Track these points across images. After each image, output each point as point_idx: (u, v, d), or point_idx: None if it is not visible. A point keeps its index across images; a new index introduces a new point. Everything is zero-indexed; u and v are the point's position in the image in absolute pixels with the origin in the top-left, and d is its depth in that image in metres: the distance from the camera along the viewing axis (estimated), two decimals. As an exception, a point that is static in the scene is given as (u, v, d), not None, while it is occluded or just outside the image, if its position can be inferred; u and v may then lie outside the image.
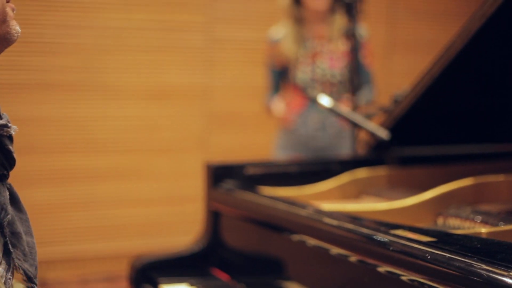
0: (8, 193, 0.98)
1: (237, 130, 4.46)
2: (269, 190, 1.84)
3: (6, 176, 0.99)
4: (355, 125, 2.26)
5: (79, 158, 4.04)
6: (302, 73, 3.06)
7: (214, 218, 1.87)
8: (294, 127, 3.13)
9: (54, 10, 3.87)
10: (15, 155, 0.99)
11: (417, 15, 4.91)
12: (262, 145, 4.48)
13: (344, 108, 2.14)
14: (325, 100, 2.16)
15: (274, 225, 1.62)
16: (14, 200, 1.00)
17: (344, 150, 3.01)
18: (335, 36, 3.06)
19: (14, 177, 1.03)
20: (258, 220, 1.69)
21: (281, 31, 3.12)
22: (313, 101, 2.94)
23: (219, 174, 1.87)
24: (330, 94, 2.96)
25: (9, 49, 1.02)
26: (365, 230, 1.34)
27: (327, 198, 1.91)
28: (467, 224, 1.55)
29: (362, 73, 3.00)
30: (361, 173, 2.00)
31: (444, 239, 1.23)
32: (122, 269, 2.78)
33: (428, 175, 2.02)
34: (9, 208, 0.96)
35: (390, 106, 2.06)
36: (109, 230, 4.17)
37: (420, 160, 2.11)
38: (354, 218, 1.46)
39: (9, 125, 0.97)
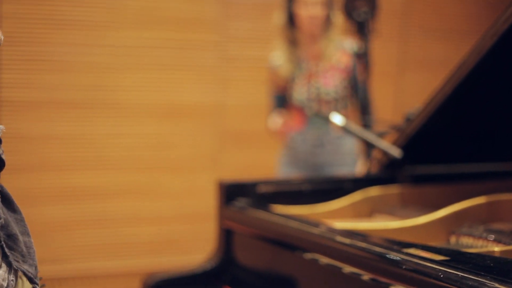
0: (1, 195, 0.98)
1: (250, 148, 4.47)
2: (281, 208, 1.84)
3: None
4: (367, 143, 2.26)
5: (91, 175, 4.06)
6: (298, 94, 3.09)
7: (227, 236, 1.88)
8: (294, 145, 3.16)
9: (66, 28, 3.91)
10: (3, 157, 0.99)
11: (430, 33, 4.91)
12: (274, 163, 4.49)
13: (357, 127, 2.14)
14: (337, 119, 2.16)
15: (287, 243, 1.62)
16: (7, 201, 0.99)
17: (345, 167, 3.03)
18: (329, 54, 3.09)
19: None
20: (271, 239, 1.69)
21: (280, 56, 3.16)
22: (316, 118, 2.98)
23: (232, 192, 1.87)
24: (326, 112, 2.99)
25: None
26: (377, 249, 1.34)
27: (339, 217, 1.91)
28: (480, 242, 1.54)
29: (357, 86, 3.03)
30: (374, 191, 2.00)
31: (457, 258, 1.23)
32: (134, 287, 2.78)
33: (440, 194, 2.02)
34: (2, 211, 0.96)
35: (403, 124, 2.06)
36: (121, 248, 4.18)
37: (433, 178, 2.11)
38: (366, 236, 1.46)
39: None
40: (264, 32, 4.42)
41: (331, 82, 3.09)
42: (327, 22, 3.05)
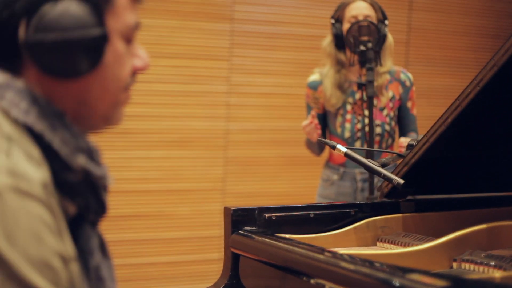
0: (98, 240, 1.02)
1: (256, 176, 4.51)
2: (287, 235, 1.88)
3: (97, 223, 1.04)
4: (371, 172, 2.30)
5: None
6: (342, 127, 2.96)
7: (234, 262, 1.91)
8: (332, 178, 3.02)
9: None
10: (107, 205, 1.04)
11: (433, 64, 4.98)
12: (281, 191, 4.52)
13: (360, 156, 2.18)
14: (341, 146, 2.20)
15: (293, 269, 1.65)
16: (103, 246, 1.04)
17: None
18: (378, 86, 2.94)
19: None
20: (277, 265, 1.73)
21: (323, 75, 3.02)
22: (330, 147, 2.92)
23: (239, 219, 1.90)
24: (375, 147, 2.90)
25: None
26: (381, 274, 1.37)
27: (344, 244, 1.95)
28: (481, 268, 1.57)
29: (408, 118, 2.98)
30: (377, 220, 2.04)
31: (459, 284, 1.26)
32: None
33: (442, 220, 2.05)
34: (97, 254, 1.01)
35: (405, 153, 2.10)
36: (128, 274, 4.20)
37: (435, 205, 2.14)
38: (370, 262, 1.49)
39: (107, 176, 1.02)
40: (269, 61, 4.50)
41: (381, 115, 2.96)
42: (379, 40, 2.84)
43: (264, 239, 1.80)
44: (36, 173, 0.88)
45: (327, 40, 2.99)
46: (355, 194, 2.94)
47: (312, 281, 1.57)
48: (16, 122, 0.92)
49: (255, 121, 4.50)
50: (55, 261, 0.87)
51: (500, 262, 1.55)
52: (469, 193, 2.21)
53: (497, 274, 1.45)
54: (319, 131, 2.85)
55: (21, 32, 0.93)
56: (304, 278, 1.59)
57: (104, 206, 1.04)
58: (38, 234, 0.86)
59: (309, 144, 3.04)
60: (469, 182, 2.18)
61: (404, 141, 2.77)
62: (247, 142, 4.49)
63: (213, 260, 4.35)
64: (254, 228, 1.90)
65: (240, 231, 1.89)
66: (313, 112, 2.88)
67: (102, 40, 0.95)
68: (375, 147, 2.93)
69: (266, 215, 1.92)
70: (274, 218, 1.93)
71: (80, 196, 0.97)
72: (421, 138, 1.97)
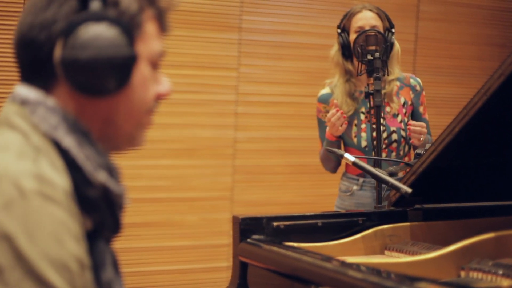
0: (111, 256, 1.07)
1: (264, 185, 4.52)
2: (295, 244, 1.88)
3: (111, 240, 1.09)
4: (379, 181, 2.31)
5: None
6: (359, 132, 2.92)
7: (242, 270, 1.91)
8: (351, 188, 2.97)
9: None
10: (122, 223, 1.11)
11: (440, 71, 4.98)
12: (289, 200, 4.53)
13: (368, 165, 2.18)
14: (349, 155, 2.21)
15: (301, 278, 1.66)
16: (115, 263, 1.09)
17: None
18: (388, 93, 2.92)
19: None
20: (286, 274, 1.73)
21: (332, 87, 2.98)
22: (339, 157, 2.87)
23: (247, 227, 1.91)
24: (393, 154, 2.88)
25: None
26: (389, 283, 1.38)
27: (351, 253, 1.95)
28: (489, 277, 1.58)
29: (421, 122, 2.92)
30: (385, 228, 2.04)
31: (466, 292, 1.27)
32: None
33: (450, 229, 2.06)
34: (110, 270, 1.05)
35: (413, 162, 2.10)
36: (137, 280, 4.21)
37: (442, 214, 2.15)
38: (378, 271, 1.50)
39: (124, 195, 1.09)
40: (277, 70, 4.51)
41: (394, 123, 2.92)
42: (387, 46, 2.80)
43: (272, 247, 1.81)
44: (61, 180, 0.95)
45: (334, 50, 2.97)
46: (375, 204, 2.92)
47: (320, 289, 1.57)
48: (44, 136, 0.99)
49: (263, 130, 4.52)
50: (73, 265, 0.92)
51: (508, 271, 1.55)
52: (477, 202, 2.21)
53: (505, 283, 1.46)
54: (346, 122, 2.79)
55: (57, 51, 0.99)
56: (312, 287, 1.60)
57: (119, 225, 1.10)
58: (59, 236, 0.91)
59: (325, 159, 3.01)
60: (476, 191, 2.18)
61: (414, 123, 2.74)
62: (255, 151, 4.50)
63: (221, 269, 4.36)
64: (262, 236, 1.91)
65: (248, 240, 1.90)
66: (336, 102, 2.84)
67: (131, 61, 1.01)
68: (392, 155, 2.92)
69: (274, 223, 1.93)
70: (282, 226, 1.93)
71: (97, 212, 1.02)
72: (429, 147, 1.98)
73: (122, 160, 4.30)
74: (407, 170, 2.13)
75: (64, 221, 0.92)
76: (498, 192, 2.17)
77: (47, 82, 1.03)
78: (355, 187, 2.97)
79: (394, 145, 2.91)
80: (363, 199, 2.94)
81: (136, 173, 4.18)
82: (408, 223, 2.09)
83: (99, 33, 0.98)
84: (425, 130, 2.74)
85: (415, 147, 2.89)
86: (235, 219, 1.94)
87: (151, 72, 1.09)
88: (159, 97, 1.13)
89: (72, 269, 0.91)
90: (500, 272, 1.56)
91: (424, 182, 2.03)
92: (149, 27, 1.08)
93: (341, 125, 2.76)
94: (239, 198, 4.45)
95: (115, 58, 0.99)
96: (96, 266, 1.01)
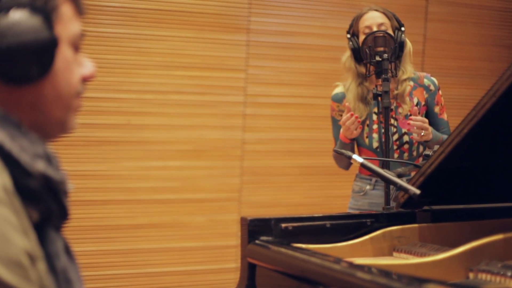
0: (62, 243, 1.05)
1: (272, 186, 4.52)
2: (304, 245, 1.89)
3: (60, 227, 1.07)
4: (387, 182, 2.30)
5: (119, 211, 4.13)
6: (370, 139, 2.92)
7: (250, 272, 1.91)
8: (364, 189, 2.99)
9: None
10: (69, 209, 1.07)
11: (448, 72, 4.97)
12: (297, 201, 4.53)
13: (376, 166, 2.18)
14: (357, 157, 2.21)
15: (310, 279, 1.66)
16: (67, 249, 1.07)
17: None
18: (400, 94, 2.91)
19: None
20: (294, 275, 1.73)
21: (346, 87, 2.98)
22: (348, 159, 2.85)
23: (255, 229, 1.91)
24: (405, 155, 2.88)
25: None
26: (397, 284, 1.38)
27: (360, 254, 1.95)
28: (498, 279, 1.57)
29: (437, 123, 2.91)
30: (393, 230, 2.04)
31: (474, 293, 1.26)
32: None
33: (458, 231, 2.05)
34: (63, 257, 1.03)
35: (422, 163, 2.10)
36: (145, 282, 4.22)
37: (451, 215, 2.14)
38: (386, 272, 1.50)
39: (66, 181, 1.05)
40: (285, 72, 4.51)
41: (404, 124, 2.89)
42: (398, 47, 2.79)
43: (280, 249, 1.81)
44: None
45: (346, 55, 2.96)
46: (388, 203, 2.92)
47: (328, 290, 1.57)
48: None
49: (271, 131, 4.52)
50: (23, 259, 0.90)
51: (517, 273, 1.55)
52: (485, 203, 2.20)
53: (514, 284, 1.45)
54: (360, 127, 2.81)
55: None
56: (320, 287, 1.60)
57: (66, 211, 1.07)
58: (4, 234, 0.89)
59: (338, 157, 3.00)
60: (485, 192, 2.17)
61: (415, 118, 2.72)
62: (263, 152, 4.50)
63: (229, 270, 4.36)
64: (270, 238, 1.91)
65: (256, 241, 1.90)
66: (348, 104, 2.82)
67: (53, 45, 1.00)
68: (405, 155, 2.91)
69: (283, 225, 1.93)
70: (291, 228, 1.94)
71: (42, 202, 1.00)
72: (438, 149, 1.98)
73: (130, 162, 4.33)
74: (416, 171, 2.12)
75: (6, 218, 0.90)
76: (506, 193, 2.16)
77: None
78: (368, 187, 2.98)
79: (406, 146, 2.90)
80: (376, 198, 2.94)
81: (144, 174, 4.19)
82: (416, 225, 2.09)
83: (16, 20, 0.96)
84: (427, 125, 2.72)
85: (430, 147, 2.88)
86: (243, 220, 1.94)
87: (73, 55, 1.07)
88: (84, 80, 1.11)
89: (23, 264, 0.90)
90: (509, 273, 1.55)
91: (433, 183, 2.03)
92: (65, 9, 1.06)
93: (355, 129, 2.76)
94: (247, 199, 4.46)
95: (35, 44, 0.97)
96: (49, 256, 1.00)
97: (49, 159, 1.03)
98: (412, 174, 2.46)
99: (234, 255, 4.35)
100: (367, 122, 2.93)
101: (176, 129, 4.27)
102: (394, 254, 2.00)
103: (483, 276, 1.63)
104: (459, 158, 1.96)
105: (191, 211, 4.32)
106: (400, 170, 2.33)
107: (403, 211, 2.15)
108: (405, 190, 1.98)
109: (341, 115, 2.92)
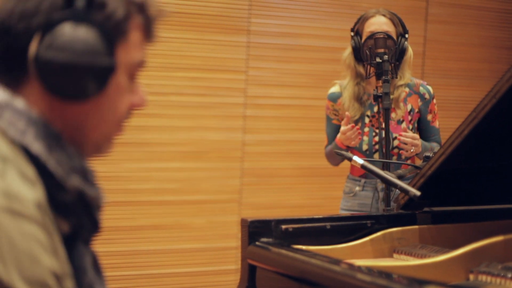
0: (91, 257, 1.04)
1: (272, 188, 4.52)
2: (304, 247, 1.89)
3: (90, 241, 1.06)
4: (388, 184, 2.31)
5: (120, 213, 4.13)
6: (361, 135, 2.92)
7: (251, 274, 1.91)
8: (354, 190, 3.01)
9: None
10: (100, 223, 1.06)
11: (448, 74, 4.97)
12: (297, 202, 4.53)
13: (377, 168, 2.18)
14: (358, 158, 2.21)
15: (310, 281, 1.66)
16: (96, 264, 1.06)
17: None
18: (395, 99, 2.92)
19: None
20: (294, 277, 1.73)
21: (343, 87, 2.99)
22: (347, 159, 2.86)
23: (256, 230, 1.91)
24: (393, 158, 2.88)
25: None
26: (398, 286, 1.38)
27: (360, 256, 1.95)
28: (498, 280, 1.57)
29: (428, 130, 2.93)
30: (393, 231, 2.04)
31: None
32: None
33: (459, 232, 2.05)
34: (91, 272, 1.03)
35: (422, 165, 2.10)
36: (146, 283, 4.22)
37: (451, 217, 2.15)
38: (386, 274, 1.50)
39: (100, 196, 1.05)
40: (285, 73, 4.51)
41: (398, 128, 2.92)
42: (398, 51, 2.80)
43: (280, 250, 1.81)
44: (30, 193, 0.90)
45: (347, 52, 2.98)
46: (377, 204, 2.94)
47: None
48: (12, 142, 0.94)
49: (271, 133, 4.52)
50: (49, 280, 0.89)
51: (517, 274, 1.55)
52: (486, 205, 2.21)
53: (514, 286, 1.45)
54: (360, 138, 2.84)
55: (33, 46, 0.94)
56: (321, 289, 1.60)
57: (97, 225, 1.06)
58: (33, 253, 0.88)
59: (330, 155, 3.03)
60: (485, 194, 2.18)
61: (405, 134, 2.75)
62: (263, 153, 4.50)
63: (230, 271, 4.36)
64: (270, 239, 1.91)
65: (256, 243, 1.90)
66: (349, 114, 2.84)
67: (109, 70, 0.97)
68: (393, 159, 2.92)
69: (283, 226, 1.93)
70: (291, 229, 1.94)
71: (74, 215, 0.99)
72: (438, 150, 1.98)
73: (130, 163, 4.34)
74: (416, 173, 2.12)
75: (36, 237, 0.88)
76: (507, 195, 2.16)
77: (18, 78, 0.98)
78: (357, 188, 3.00)
79: (396, 150, 2.91)
80: (365, 199, 2.98)
81: (145, 176, 4.19)
82: (417, 226, 2.09)
83: (79, 35, 0.94)
84: (417, 142, 2.76)
85: (419, 158, 2.91)
86: (243, 222, 1.94)
87: (127, 82, 1.04)
88: (132, 108, 1.08)
89: (49, 285, 0.88)
90: (509, 275, 1.55)
91: (433, 185, 2.03)
92: (134, 36, 1.03)
93: (354, 140, 2.79)
94: (247, 200, 4.46)
95: (92, 66, 0.95)
96: (76, 270, 0.99)
97: (85, 173, 1.02)
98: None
99: (234, 257, 4.35)
100: (359, 124, 2.94)
101: (177, 130, 4.27)
102: (395, 255, 2.00)
103: (483, 278, 1.63)
104: (459, 160, 1.97)
105: (191, 212, 4.32)
106: (400, 171, 2.34)
107: (404, 213, 2.15)
108: (406, 191, 1.98)
109: (335, 115, 3.00)
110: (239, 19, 4.43)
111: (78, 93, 0.96)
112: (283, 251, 1.80)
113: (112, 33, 0.97)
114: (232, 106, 4.42)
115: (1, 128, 0.94)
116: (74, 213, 0.99)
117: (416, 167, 2.27)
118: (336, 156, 2.94)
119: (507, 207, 2.21)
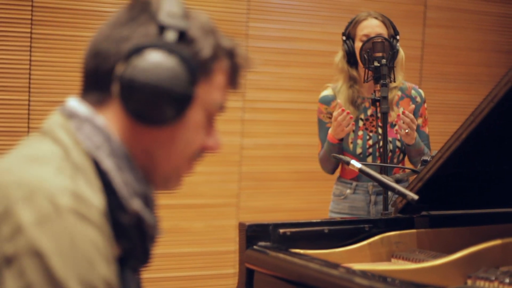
0: (136, 286, 1.06)
1: (270, 191, 4.51)
2: (302, 251, 1.88)
3: (138, 270, 1.08)
4: (385, 188, 2.30)
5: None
6: (353, 143, 2.93)
7: (248, 278, 1.91)
8: (346, 193, 2.99)
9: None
10: (151, 255, 1.08)
11: (447, 78, 4.97)
12: (295, 206, 4.53)
13: (374, 172, 2.18)
14: (356, 162, 2.21)
15: (308, 285, 1.66)
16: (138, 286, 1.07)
17: None
18: (390, 101, 2.87)
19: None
20: (292, 281, 1.73)
21: (336, 90, 2.97)
22: (345, 164, 2.83)
23: (254, 234, 1.91)
24: (389, 162, 2.86)
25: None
26: (395, 290, 1.38)
27: (358, 260, 1.95)
28: (495, 285, 1.57)
29: (418, 134, 2.85)
30: (391, 235, 2.04)
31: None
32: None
33: (457, 236, 2.05)
34: None
35: (420, 169, 2.10)
36: (145, 285, 4.22)
37: (449, 221, 2.14)
38: (384, 278, 1.49)
39: (157, 227, 1.07)
40: (283, 77, 4.52)
41: (391, 132, 2.90)
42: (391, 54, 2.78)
43: (278, 254, 1.81)
44: (97, 200, 0.93)
45: (339, 56, 2.98)
46: (368, 208, 2.93)
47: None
48: (86, 154, 0.98)
49: (270, 137, 4.52)
50: (101, 287, 0.91)
51: (515, 278, 1.55)
52: (484, 209, 2.21)
53: (512, 290, 1.45)
54: (353, 123, 2.78)
55: (120, 67, 0.98)
56: (319, 294, 1.60)
57: (148, 255, 1.08)
58: (91, 258, 0.90)
59: (325, 160, 2.99)
60: (483, 198, 2.18)
61: (407, 114, 2.68)
62: (261, 157, 4.50)
63: (228, 275, 4.36)
64: (268, 243, 1.91)
65: (254, 247, 1.90)
66: (339, 102, 2.81)
67: (187, 99, 0.99)
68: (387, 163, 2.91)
69: (281, 230, 1.93)
70: (289, 233, 1.93)
71: (128, 240, 1.01)
72: (436, 154, 1.98)
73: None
74: (413, 177, 2.12)
75: (97, 242, 0.91)
76: (505, 198, 2.16)
77: (101, 97, 1.02)
78: (348, 191, 2.98)
79: (389, 154, 2.90)
80: (357, 202, 2.96)
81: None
82: (414, 230, 2.09)
83: (164, 62, 0.97)
84: (414, 126, 2.71)
85: (409, 157, 2.90)
86: (241, 226, 1.94)
87: (204, 121, 1.07)
88: (205, 149, 1.11)
89: None
90: (507, 280, 1.55)
91: (431, 188, 2.03)
92: (218, 78, 1.06)
93: (347, 126, 2.74)
94: (245, 204, 4.45)
95: (172, 91, 0.97)
96: None
97: (147, 200, 1.04)
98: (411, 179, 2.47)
99: (232, 261, 4.35)
100: (353, 127, 2.92)
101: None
102: (393, 260, 2.00)
103: (481, 283, 1.62)
104: (457, 164, 1.97)
105: (189, 216, 4.32)
106: (398, 175, 2.33)
107: (401, 217, 2.15)
108: (403, 195, 1.98)
109: (329, 117, 2.94)
110: (237, 23, 4.43)
111: (156, 116, 0.99)
112: (281, 255, 1.80)
113: (196, 68, 1.00)
114: (230, 110, 4.40)
115: (78, 139, 0.99)
116: (128, 237, 1.01)
117: (414, 171, 2.27)
118: (330, 160, 2.93)
119: (505, 211, 2.21)
